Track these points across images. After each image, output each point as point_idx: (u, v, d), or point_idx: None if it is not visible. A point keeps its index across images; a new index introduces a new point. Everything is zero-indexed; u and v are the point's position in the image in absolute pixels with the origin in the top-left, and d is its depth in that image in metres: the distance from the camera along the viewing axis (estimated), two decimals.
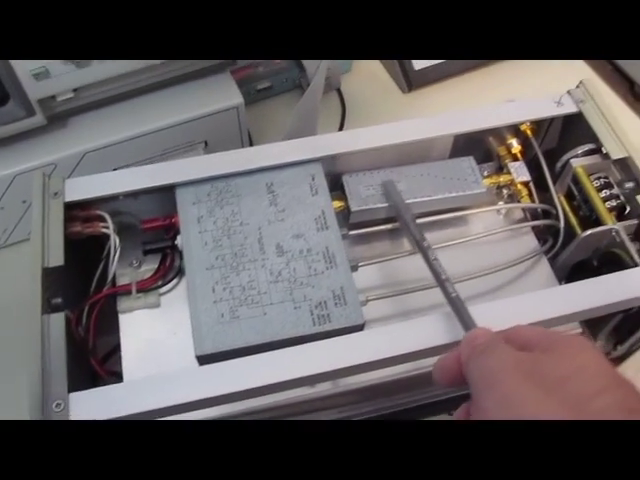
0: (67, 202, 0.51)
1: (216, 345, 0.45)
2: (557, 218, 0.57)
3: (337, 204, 0.54)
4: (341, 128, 0.83)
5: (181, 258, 0.52)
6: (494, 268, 0.55)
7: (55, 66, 0.58)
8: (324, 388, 0.51)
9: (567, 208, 0.58)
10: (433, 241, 0.53)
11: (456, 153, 0.59)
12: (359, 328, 0.47)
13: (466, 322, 0.44)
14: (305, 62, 0.79)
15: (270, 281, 0.48)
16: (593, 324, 0.58)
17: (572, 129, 0.60)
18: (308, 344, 0.45)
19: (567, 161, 0.58)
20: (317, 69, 0.65)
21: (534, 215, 0.60)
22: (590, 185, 0.56)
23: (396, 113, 0.83)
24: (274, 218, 0.51)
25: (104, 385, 0.44)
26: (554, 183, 0.58)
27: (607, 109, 0.58)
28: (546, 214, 0.59)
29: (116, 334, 0.53)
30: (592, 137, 0.57)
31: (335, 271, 0.49)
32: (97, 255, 0.54)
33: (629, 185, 0.55)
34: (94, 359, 0.51)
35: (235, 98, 0.69)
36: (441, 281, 0.47)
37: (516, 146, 0.61)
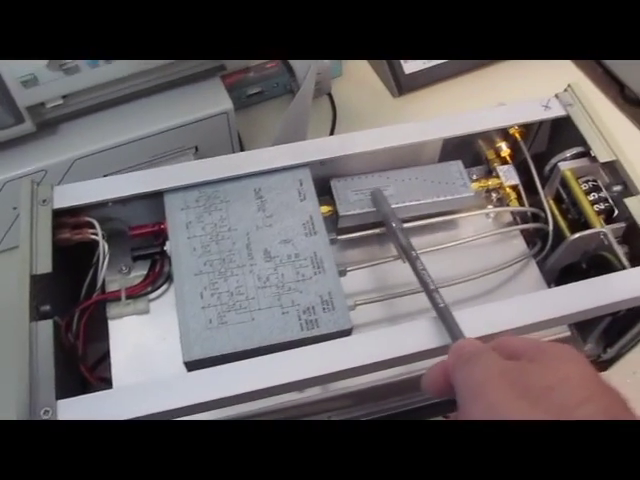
0: (56, 209, 0.51)
1: (204, 351, 0.45)
2: (546, 221, 0.57)
3: (326, 209, 0.54)
4: (332, 133, 0.83)
5: (170, 264, 0.52)
6: (483, 272, 0.55)
7: (43, 73, 0.58)
8: (313, 393, 0.51)
9: (556, 211, 0.58)
10: (422, 245, 0.54)
11: (445, 157, 0.59)
12: (347, 333, 0.47)
13: (454, 332, 0.44)
14: (295, 66, 0.79)
15: (258, 286, 0.48)
16: (582, 327, 0.58)
17: (561, 132, 0.60)
18: (296, 349, 0.45)
19: (555, 164, 0.58)
20: (307, 73, 0.65)
21: (523, 218, 0.61)
22: (578, 188, 0.56)
23: (387, 117, 0.84)
24: (262, 224, 0.51)
25: (94, 392, 0.44)
26: (543, 186, 0.58)
27: (595, 112, 0.58)
28: (535, 217, 0.59)
29: (106, 341, 0.53)
30: (580, 140, 0.57)
31: (323, 276, 0.49)
32: (87, 262, 0.54)
33: (617, 188, 0.55)
34: (84, 366, 0.51)
35: (225, 103, 0.69)
36: (429, 291, 0.47)
37: (505, 150, 0.61)
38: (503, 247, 0.59)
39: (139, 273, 0.55)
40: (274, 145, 0.56)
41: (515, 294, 0.49)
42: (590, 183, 0.56)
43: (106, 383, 0.51)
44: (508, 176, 0.59)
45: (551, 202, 0.58)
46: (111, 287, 0.54)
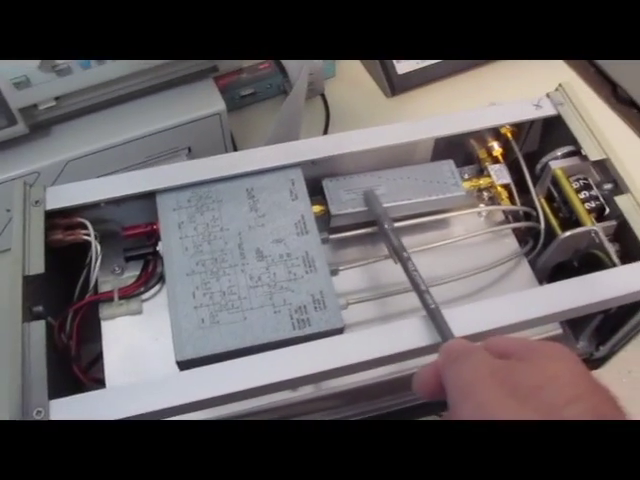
0: (48, 210, 0.52)
1: (197, 350, 0.46)
2: (537, 220, 0.58)
3: (318, 208, 0.55)
4: (325, 133, 0.83)
5: (163, 264, 0.52)
6: (475, 270, 0.55)
7: (36, 74, 0.58)
8: (305, 392, 0.52)
9: (547, 210, 0.58)
10: (415, 244, 0.54)
11: (437, 157, 0.60)
12: (339, 332, 0.47)
13: (444, 333, 0.44)
14: (288, 67, 0.79)
15: (250, 286, 0.48)
16: (575, 325, 0.59)
17: (552, 131, 0.60)
18: (288, 348, 0.45)
19: (546, 163, 0.58)
20: (299, 74, 0.65)
21: (515, 217, 0.61)
22: (569, 187, 0.56)
23: (380, 117, 0.84)
24: (254, 223, 0.51)
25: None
26: (534, 185, 0.59)
27: (586, 111, 0.58)
28: (527, 216, 0.59)
29: (100, 342, 0.53)
30: (571, 139, 0.58)
31: (315, 275, 0.49)
32: (80, 263, 0.54)
33: (608, 186, 0.56)
34: (77, 366, 0.51)
35: (217, 104, 0.69)
36: (420, 292, 0.47)
37: (497, 149, 0.61)
38: (495, 246, 0.59)
39: (132, 274, 0.55)
40: (266, 145, 0.56)
41: (507, 292, 0.49)
42: (581, 181, 0.57)
43: (100, 384, 0.51)
44: (499, 175, 0.59)
45: (542, 201, 0.58)
46: (104, 288, 0.54)
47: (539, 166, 0.59)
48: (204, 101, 0.69)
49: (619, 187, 0.55)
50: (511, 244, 0.59)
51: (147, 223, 0.54)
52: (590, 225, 0.54)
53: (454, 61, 0.87)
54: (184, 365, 0.46)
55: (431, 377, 0.36)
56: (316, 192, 0.56)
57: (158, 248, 0.52)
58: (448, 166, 0.58)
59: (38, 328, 0.46)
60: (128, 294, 0.54)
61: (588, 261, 0.54)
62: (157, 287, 0.55)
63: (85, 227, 0.53)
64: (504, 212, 0.61)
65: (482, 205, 0.61)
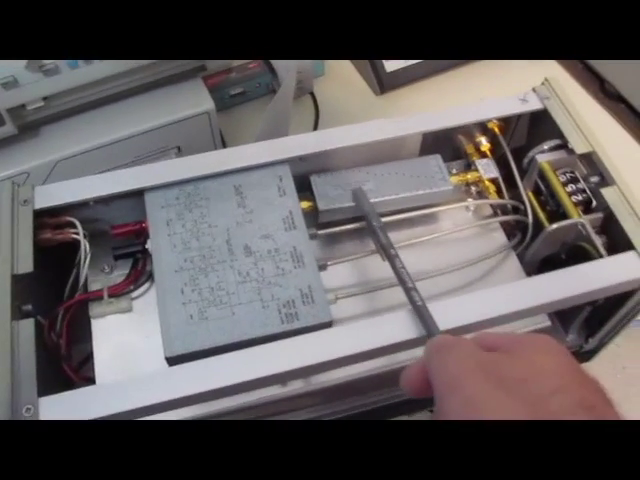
0: (37, 209, 0.52)
1: (185, 346, 0.46)
2: (525, 214, 0.58)
3: (306, 204, 0.55)
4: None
5: (152, 262, 0.52)
6: (464, 264, 0.55)
7: (23, 74, 0.58)
8: (295, 387, 0.52)
9: (535, 203, 0.58)
10: (403, 239, 0.54)
11: (425, 152, 0.60)
12: (327, 326, 0.47)
13: (430, 329, 0.44)
14: (277, 66, 0.80)
15: (238, 281, 0.48)
16: (563, 318, 0.59)
17: (539, 126, 0.61)
18: (277, 342, 0.45)
19: (533, 157, 0.58)
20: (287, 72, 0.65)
21: (503, 211, 0.61)
22: (556, 180, 0.57)
23: (369, 115, 0.83)
24: (242, 219, 0.52)
25: None
26: (522, 179, 0.59)
27: (572, 105, 0.59)
28: (515, 210, 0.60)
29: (90, 340, 0.53)
30: (558, 133, 0.58)
31: (303, 270, 0.49)
32: (70, 262, 0.54)
33: (594, 179, 0.56)
34: (67, 365, 0.52)
35: (206, 103, 0.69)
36: (407, 289, 0.47)
37: (485, 144, 0.62)
38: (483, 240, 0.59)
39: (122, 272, 0.55)
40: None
41: (495, 286, 0.49)
42: (568, 175, 0.57)
43: (91, 382, 0.51)
44: (487, 169, 0.60)
45: (530, 194, 0.59)
46: (94, 287, 0.54)
47: (526, 160, 0.59)
48: (192, 100, 0.69)
49: (605, 180, 0.55)
50: (499, 238, 0.60)
51: (136, 222, 0.54)
52: (577, 218, 0.54)
53: None
54: (173, 361, 0.46)
55: (418, 374, 0.36)
56: (304, 188, 0.56)
57: (147, 246, 0.52)
58: (435, 161, 0.58)
59: (27, 326, 0.46)
60: (118, 292, 0.54)
61: (575, 253, 0.54)
62: (147, 285, 0.55)
63: (74, 226, 0.53)
64: (492, 206, 0.61)
65: (470, 200, 0.61)
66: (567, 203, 0.55)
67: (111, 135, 0.67)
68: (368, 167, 0.57)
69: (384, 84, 0.87)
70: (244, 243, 0.50)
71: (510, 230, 0.60)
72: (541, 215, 0.58)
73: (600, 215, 0.55)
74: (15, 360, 0.44)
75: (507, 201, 0.59)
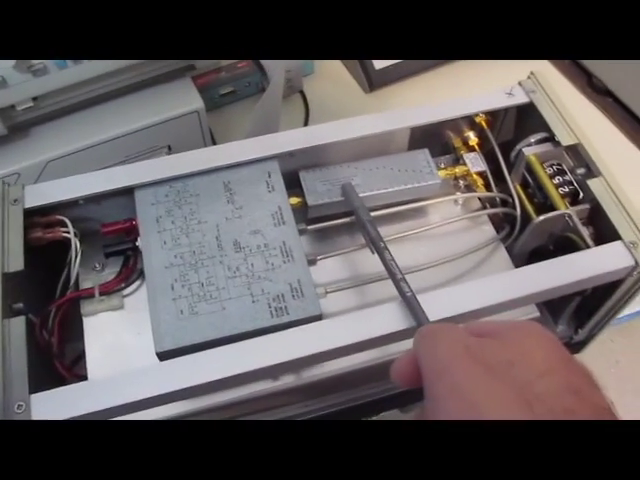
0: (27, 208, 0.52)
1: (176, 341, 0.46)
2: (514, 206, 0.58)
3: (295, 200, 0.55)
4: None
5: (142, 259, 0.52)
6: (453, 257, 0.56)
7: (11, 75, 0.58)
8: (287, 381, 0.52)
9: (522, 196, 0.59)
10: (392, 233, 0.54)
11: (414, 147, 0.60)
12: (317, 319, 0.47)
13: (420, 319, 0.45)
14: (266, 66, 0.80)
15: (228, 276, 0.49)
16: (553, 309, 0.59)
17: (526, 119, 0.61)
18: (266, 336, 0.45)
19: (520, 150, 0.59)
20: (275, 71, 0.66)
21: (492, 204, 0.62)
22: (543, 172, 0.57)
23: (359, 113, 0.82)
24: (232, 215, 0.52)
25: None
26: (510, 173, 0.59)
27: (557, 98, 0.59)
28: (503, 203, 0.60)
29: (82, 339, 0.53)
30: (544, 126, 0.59)
31: (292, 265, 0.49)
32: (62, 261, 0.54)
33: (581, 171, 0.56)
34: (59, 363, 0.52)
35: (195, 102, 0.69)
36: (396, 280, 0.47)
37: (473, 139, 0.62)
38: (472, 233, 0.60)
39: (113, 270, 0.55)
40: None
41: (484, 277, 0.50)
42: (555, 167, 0.57)
43: (83, 380, 0.51)
44: (474, 163, 0.60)
45: (518, 187, 0.59)
46: (85, 285, 0.55)
47: (513, 153, 0.60)
48: (182, 99, 0.70)
49: (592, 171, 0.55)
50: (488, 231, 0.60)
51: (126, 219, 0.54)
52: (564, 209, 0.55)
53: None
54: (164, 356, 0.46)
55: (408, 364, 0.35)
56: (294, 185, 0.57)
57: (138, 243, 0.52)
58: (423, 155, 0.58)
59: (18, 324, 0.46)
60: (109, 290, 0.54)
61: (563, 244, 0.54)
62: (138, 282, 0.55)
63: (65, 225, 0.53)
64: (480, 199, 0.62)
65: (459, 193, 0.62)
66: (554, 195, 0.56)
67: (101, 135, 0.67)
68: (357, 162, 0.57)
69: (373, 82, 0.87)
70: (234, 239, 0.51)
71: (499, 223, 0.61)
72: (529, 207, 0.58)
73: (587, 206, 0.55)
74: (6, 358, 0.45)
75: (495, 194, 0.59)
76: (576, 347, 0.63)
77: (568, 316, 0.59)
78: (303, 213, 0.56)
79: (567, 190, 0.56)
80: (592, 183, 0.55)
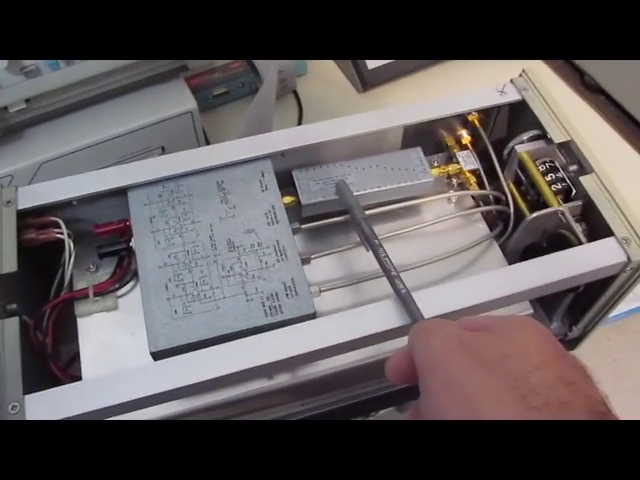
0: (20, 210, 0.52)
1: (170, 341, 0.46)
2: (507, 204, 0.58)
3: (289, 199, 0.55)
4: None
5: (136, 259, 0.52)
6: (446, 255, 0.56)
7: (4, 76, 0.58)
8: (282, 380, 0.52)
9: (515, 193, 0.59)
10: (386, 231, 0.55)
11: (407, 146, 0.60)
12: (311, 318, 0.47)
13: (414, 316, 0.45)
14: (259, 66, 0.80)
15: (222, 276, 0.49)
16: (547, 306, 0.59)
17: (518, 117, 0.61)
18: (261, 334, 0.45)
19: (513, 148, 0.59)
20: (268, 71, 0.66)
21: (486, 202, 0.62)
22: (535, 170, 0.57)
23: (352, 112, 0.82)
24: (225, 215, 0.52)
25: None
26: (503, 170, 0.59)
27: (549, 95, 0.59)
28: (497, 201, 0.60)
29: (77, 339, 0.53)
30: (536, 123, 0.59)
31: (286, 263, 0.49)
32: (56, 262, 0.54)
33: (573, 168, 0.57)
34: (54, 364, 0.52)
35: (188, 103, 0.69)
36: (391, 277, 0.48)
37: (466, 137, 0.62)
38: (466, 231, 0.60)
39: (107, 271, 0.55)
40: None
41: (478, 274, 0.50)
42: (547, 164, 0.58)
43: (78, 381, 0.51)
44: (467, 161, 0.60)
45: (511, 185, 0.59)
46: (79, 286, 0.54)
47: (506, 151, 0.60)
48: (175, 100, 0.70)
49: (584, 168, 0.56)
50: (482, 228, 0.60)
51: (119, 220, 0.54)
52: (557, 206, 0.55)
53: None
54: (158, 356, 0.46)
55: (403, 360, 0.36)
56: (287, 184, 0.57)
57: (131, 244, 0.53)
58: (416, 153, 0.58)
59: (12, 325, 0.46)
60: (103, 291, 0.54)
61: (556, 241, 0.55)
62: (132, 283, 0.55)
63: (58, 226, 0.53)
64: (474, 198, 0.62)
65: (452, 191, 0.62)
66: (547, 192, 0.56)
67: (95, 136, 0.67)
68: (350, 161, 0.57)
69: (366, 81, 0.87)
70: (227, 238, 0.51)
71: (492, 221, 0.61)
72: (522, 205, 0.58)
73: (579, 203, 0.55)
74: (0, 359, 0.45)
75: (488, 192, 0.59)
76: (571, 344, 0.63)
77: (562, 313, 0.59)
78: (297, 212, 0.56)
79: (560, 187, 0.56)
80: (584, 180, 0.55)
